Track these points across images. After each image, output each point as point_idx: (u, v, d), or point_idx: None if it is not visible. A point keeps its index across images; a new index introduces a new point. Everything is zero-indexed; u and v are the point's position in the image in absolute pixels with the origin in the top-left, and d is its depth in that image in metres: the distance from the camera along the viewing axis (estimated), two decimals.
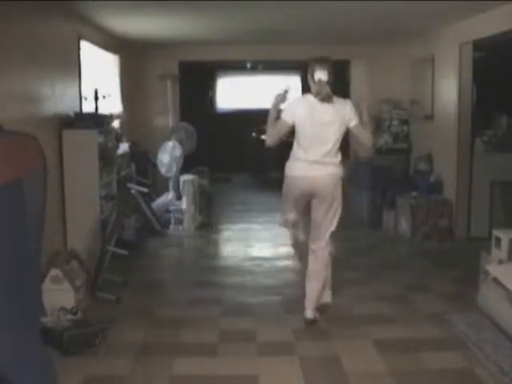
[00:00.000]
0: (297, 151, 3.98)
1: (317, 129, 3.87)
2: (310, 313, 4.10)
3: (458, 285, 5.02)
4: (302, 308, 4.15)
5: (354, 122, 3.95)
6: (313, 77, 3.87)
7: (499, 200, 6.58)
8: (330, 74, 3.85)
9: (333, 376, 3.42)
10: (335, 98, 3.91)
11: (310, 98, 3.92)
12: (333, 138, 3.90)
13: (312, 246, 4.15)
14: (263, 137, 4.11)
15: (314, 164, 3.90)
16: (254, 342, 3.89)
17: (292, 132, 4.01)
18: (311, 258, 4.15)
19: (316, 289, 4.13)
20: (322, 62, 3.90)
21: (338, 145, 3.95)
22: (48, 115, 5.09)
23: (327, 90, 3.84)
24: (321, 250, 4.12)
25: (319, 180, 3.91)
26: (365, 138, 4.03)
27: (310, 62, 3.96)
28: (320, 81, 3.82)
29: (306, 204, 4.08)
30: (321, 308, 4.22)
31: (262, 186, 10.14)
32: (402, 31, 7.24)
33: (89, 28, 6.35)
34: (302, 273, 4.38)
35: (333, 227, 4.10)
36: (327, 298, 4.33)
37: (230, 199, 9.45)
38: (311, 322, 4.08)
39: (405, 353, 3.68)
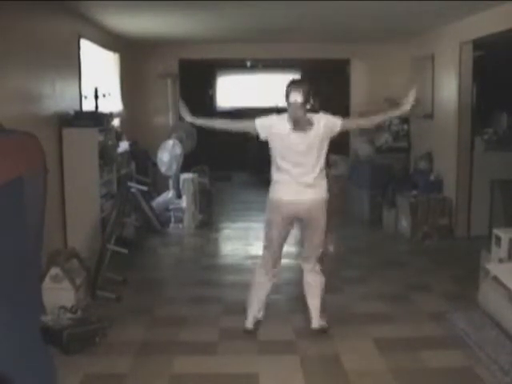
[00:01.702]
0: (276, 174, 3.87)
1: (293, 157, 3.77)
2: (315, 322, 4.03)
3: (458, 283, 5.03)
4: (302, 307, 4.14)
5: (339, 125, 3.81)
6: (288, 99, 3.74)
7: (499, 199, 6.58)
8: (305, 96, 3.71)
9: (333, 374, 3.42)
10: (313, 117, 3.79)
11: (287, 121, 3.78)
12: (311, 161, 3.78)
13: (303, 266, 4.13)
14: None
15: (294, 187, 3.79)
16: (254, 341, 3.90)
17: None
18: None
19: (314, 305, 4.06)
20: (296, 83, 3.81)
21: (320, 164, 3.82)
22: (48, 114, 5.09)
23: (301, 114, 3.72)
24: (308, 273, 4.10)
25: (303, 205, 3.80)
26: (360, 124, 4.00)
27: (287, 85, 3.84)
28: (295, 102, 3.70)
29: (287, 229, 3.95)
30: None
31: (263, 184, 10.10)
32: (402, 30, 7.23)
33: (89, 27, 6.35)
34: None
35: (318, 250, 4.05)
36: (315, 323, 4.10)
37: (231, 198, 9.45)
38: (318, 331, 4.00)
39: (405, 351, 3.68)
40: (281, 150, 3.80)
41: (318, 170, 3.81)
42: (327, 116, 3.85)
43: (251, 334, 3.98)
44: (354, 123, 3.96)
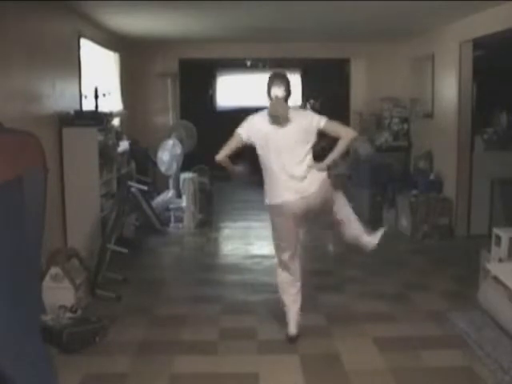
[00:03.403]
0: (267, 178, 3.80)
1: (277, 153, 3.68)
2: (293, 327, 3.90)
3: (458, 283, 5.03)
4: (302, 306, 4.13)
5: (322, 123, 3.71)
6: (269, 94, 3.71)
7: (499, 198, 6.58)
8: (286, 91, 3.68)
9: (333, 374, 3.42)
10: (294, 112, 3.72)
11: (266, 117, 3.71)
12: (300, 155, 3.69)
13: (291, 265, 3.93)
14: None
15: (285, 184, 3.69)
16: (254, 340, 3.90)
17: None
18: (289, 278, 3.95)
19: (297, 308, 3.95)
20: (278, 78, 3.75)
21: (308, 157, 3.71)
22: (48, 113, 5.09)
23: (282, 110, 3.65)
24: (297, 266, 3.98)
25: (296, 201, 3.68)
26: (341, 131, 3.75)
27: (267, 80, 3.79)
28: (276, 97, 3.66)
29: (293, 224, 3.81)
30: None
31: (263, 184, 10.10)
32: (402, 29, 7.23)
33: (89, 26, 6.35)
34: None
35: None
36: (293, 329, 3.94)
37: (230, 197, 9.45)
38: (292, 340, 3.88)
39: (405, 351, 3.68)
40: (264, 147, 3.71)
41: (304, 164, 3.69)
42: (312, 113, 3.80)
43: (294, 341, 3.83)
44: (335, 129, 3.75)
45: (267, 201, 3.80)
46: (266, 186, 3.82)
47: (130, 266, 5.49)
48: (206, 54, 8.86)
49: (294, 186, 3.68)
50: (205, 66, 10.88)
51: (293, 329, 3.86)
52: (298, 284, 3.94)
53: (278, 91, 3.67)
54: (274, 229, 3.88)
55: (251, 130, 3.75)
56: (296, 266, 3.93)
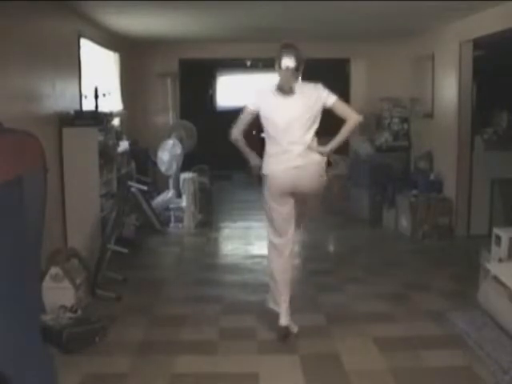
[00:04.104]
0: (268, 146, 3.80)
1: (284, 124, 3.69)
2: (284, 319, 3.87)
3: (458, 283, 5.03)
4: (302, 306, 4.14)
5: (331, 101, 3.70)
6: (280, 64, 3.68)
7: (499, 198, 6.59)
8: (297, 61, 3.66)
9: (333, 374, 3.42)
10: (303, 84, 3.74)
11: (274, 88, 3.74)
12: (303, 128, 3.69)
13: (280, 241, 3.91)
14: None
15: (286, 155, 3.69)
16: (254, 340, 3.90)
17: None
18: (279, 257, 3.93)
19: (286, 297, 3.92)
20: (288, 48, 3.73)
21: (312, 131, 3.72)
22: (48, 113, 5.09)
23: (292, 80, 3.66)
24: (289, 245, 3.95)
25: (295, 171, 3.68)
26: (349, 113, 3.75)
27: (278, 50, 3.78)
28: (287, 68, 3.64)
29: (287, 203, 3.81)
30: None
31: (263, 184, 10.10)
32: (402, 29, 7.23)
33: (89, 26, 6.35)
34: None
35: (304, 220, 3.98)
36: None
37: (231, 197, 9.45)
38: (285, 331, 3.86)
39: (405, 351, 3.68)
40: (269, 117, 3.73)
41: (306, 141, 3.69)
42: (323, 88, 3.74)
43: (287, 331, 3.84)
44: (343, 110, 3.74)
45: (263, 170, 3.81)
46: (265, 155, 3.83)
47: (130, 265, 5.49)
48: (205, 54, 8.86)
49: (288, 158, 3.68)
50: (205, 65, 10.88)
51: (284, 320, 3.84)
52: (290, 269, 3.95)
53: (288, 62, 3.65)
54: (267, 202, 3.87)
55: (259, 99, 3.78)
56: (290, 252, 3.93)
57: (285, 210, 3.83)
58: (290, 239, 3.92)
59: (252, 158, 3.97)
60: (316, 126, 3.75)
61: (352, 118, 3.74)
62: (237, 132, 3.84)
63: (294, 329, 3.90)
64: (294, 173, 3.69)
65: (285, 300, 3.89)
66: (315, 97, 3.70)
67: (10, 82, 4.29)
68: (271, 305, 4.00)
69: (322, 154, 3.78)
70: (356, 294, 4.80)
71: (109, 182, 5.94)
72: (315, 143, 3.78)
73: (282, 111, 3.70)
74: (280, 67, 3.68)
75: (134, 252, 5.74)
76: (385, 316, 4.31)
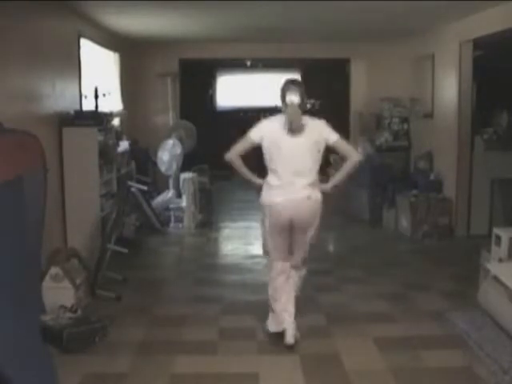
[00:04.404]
0: (270, 177, 3.79)
1: (290, 158, 3.69)
2: (291, 336, 3.79)
3: (458, 283, 5.03)
4: (302, 306, 4.13)
5: (333, 139, 3.73)
6: (284, 99, 3.70)
7: (499, 198, 6.59)
8: (301, 97, 3.68)
9: (333, 374, 3.42)
10: (308, 120, 3.74)
11: (281, 122, 3.72)
12: (309, 163, 3.72)
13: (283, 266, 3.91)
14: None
15: (289, 188, 3.69)
16: (254, 340, 3.90)
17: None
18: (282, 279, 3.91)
19: (291, 311, 3.88)
20: (293, 84, 3.75)
21: (314, 168, 3.75)
22: (48, 113, 5.09)
23: (298, 116, 3.67)
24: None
25: (297, 203, 3.70)
26: (350, 152, 3.79)
27: (282, 86, 3.79)
28: (292, 104, 3.65)
29: (286, 237, 3.81)
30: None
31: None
32: (402, 29, 7.23)
33: (89, 26, 6.35)
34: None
35: (306, 253, 3.93)
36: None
37: (231, 197, 9.45)
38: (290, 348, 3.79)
39: (405, 351, 3.68)
40: (273, 152, 3.73)
41: (313, 175, 3.73)
42: (326, 125, 3.77)
43: (293, 348, 3.76)
44: (345, 148, 3.78)
45: (263, 199, 3.81)
46: (265, 185, 3.82)
47: (130, 265, 5.49)
48: (206, 54, 8.86)
49: (291, 190, 3.69)
50: (205, 65, 10.88)
51: (290, 338, 3.77)
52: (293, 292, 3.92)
53: (293, 98, 3.67)
54: (266, 233, 3.87)
55: (264, 132, 3.76)
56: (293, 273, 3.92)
57: (283, 242, 3.83)
58: (294, 265, 3.92)
59: (252, 178, 3.93)
60: (319, 161, 3.77)
61: (353, 156, 3.78)
62: (234, 154, 3.82)
63: (297, 335, 3.86)
64: (295, 205, 3.70)
65: (290, 315, 3.84)
66: (319, 133, 3.73)
67: (9, 82, 4.29)
68: (273, 328, 3.92)
69: (323, 191, 3.80)
70: (356, 293, 4.80)
71: (109, 182, 5.93)
72: (317, 180, 3.80)
73: (290, 146, 3.69)
74: (285, 102, 3.71)
75: (134, 252, 5.74)
76: (385, 316, 4.31)
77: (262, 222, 3.91)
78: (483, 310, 4.06)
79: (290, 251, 3.88)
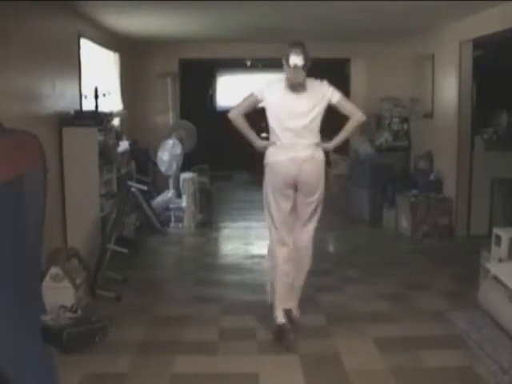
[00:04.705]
0: (274, 138, 3.81)
1: (292, 119, 3.73)
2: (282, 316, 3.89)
3: (458, 283, 5.03)
4: (302, 306, 4.13)
5: (336, 98, 3.78)
6: (288, 62, 3.73)
7: (499, 198, 6.59)
8: (305, 59, 3.70)
9: (333, 374, 3.42)
10: (310, 81, 3.78)
11: (284, 83, 3.77)
12: (311, 123, 3.75)
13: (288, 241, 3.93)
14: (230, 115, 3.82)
15: (293, 147, 3.73)
16: (254, 340, 3.89)
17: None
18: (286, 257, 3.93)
19: (297, 289, 3.99)
20: (297, 46, 3.76)
21: (316, 128, 3.78)
22: (48, 113, 5.09)
23: (301, 78, 3.71)
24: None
25: (301, 162, 3.71)
26: (354, 110, 3.85)
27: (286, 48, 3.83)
28: (296, 66, 3.69)
29: (290, 200, 3.83)
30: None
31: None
32: (402, 29, 7.23)
33: (89, 26, 6.35)
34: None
35: (314, 223, 3.94)
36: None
37: (231, 197, 9.45)
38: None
39: (405, 351, 3.68)
40: (276, 112, 3.77)
41: (312, 137, 3.76)
42: (328, 85, 3.82)
43: (285, 329, 3.81)
44: (347, 108, 3.84)
45: (266, 160, 3.85)
46: (268, 146, 3.85)
47: (130, 265, 5.49)
48: (206, 54, 8.86)
49: (294, 149, 3.72)
50: (205, 65, 10.88)
51: (281, 318, 3.85)
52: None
53: (297, 59, 3.70)
54: (268, 196, 3.87)
55: (268, 91, 3.78)
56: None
57: (286, 205, 3.84)
58: (299, 246, 3.93)
59: (255, 139, 3.94)
60: (321, 117, 3.80)
61: (356, 115, 3.85)
62: (237, 112, 3.85)
63: (297, 315, 3.91)
64: (299, 163, 3.72)
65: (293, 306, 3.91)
66: (322, 93, 3.77)
67: (10, 82, 4.29)
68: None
69: (326, 150, 3.85)
70: (356, 293, 4.80)
71: (109, 182, 5.93)
72: (319, 140, 3.83)
73: (292, 106, 3.74)
74: (288, 65, 3.73)
75: (134, 252, 5.74)
76: (385, 316, 4.31)
77: (266, 195, 3.89)
78: (483, 310, 4.06)
79: (295, 219, 3.88)
